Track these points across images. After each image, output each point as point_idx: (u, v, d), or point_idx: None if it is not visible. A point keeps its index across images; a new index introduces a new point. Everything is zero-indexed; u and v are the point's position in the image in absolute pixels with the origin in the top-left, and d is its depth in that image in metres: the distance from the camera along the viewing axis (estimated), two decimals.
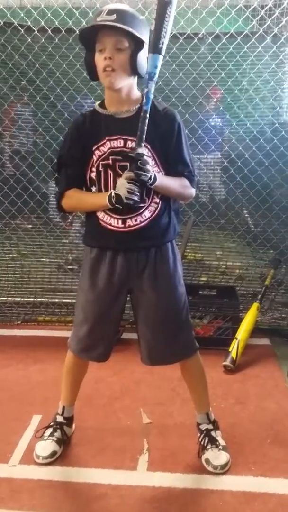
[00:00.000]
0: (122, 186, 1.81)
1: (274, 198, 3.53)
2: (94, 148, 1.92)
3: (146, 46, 1.83)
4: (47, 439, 2.28)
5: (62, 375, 2.30)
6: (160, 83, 3.38)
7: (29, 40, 3.31)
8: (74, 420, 2.39)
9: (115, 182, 1.88)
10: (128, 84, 1.89)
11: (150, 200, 1.94)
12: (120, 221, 1.94)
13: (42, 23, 3.22)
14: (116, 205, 1.84)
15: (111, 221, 1.95)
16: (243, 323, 3.22)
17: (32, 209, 3.62)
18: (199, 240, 3.73)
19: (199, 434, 2.28)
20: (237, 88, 3.43)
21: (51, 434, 2.29)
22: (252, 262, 3.75)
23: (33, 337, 3.41)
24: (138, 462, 2.23)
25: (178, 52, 3.31)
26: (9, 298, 3.72)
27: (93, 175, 1.95)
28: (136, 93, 1.94)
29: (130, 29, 1.77)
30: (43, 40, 3.28)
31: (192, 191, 2.02)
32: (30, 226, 3.74)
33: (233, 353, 3.05)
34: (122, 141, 1.89)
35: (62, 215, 3.65)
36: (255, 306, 3.33)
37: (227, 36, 3.27)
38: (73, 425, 2.40)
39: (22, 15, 3.27)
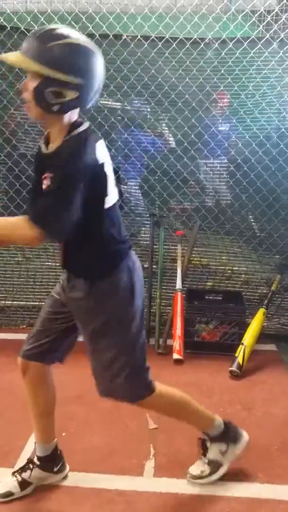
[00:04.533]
0: None
1: (281, 203, 3.53)
2: None
3: (59, 79, 1.60)
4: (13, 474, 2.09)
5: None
6: (166, 87, 3.39)
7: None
8: (60, 464, 2.14)
9: None
10: (47, 118, 1.73)
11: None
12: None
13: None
14: None
15: None
16: (249, 329, 3.21)
17: None
18: (205, 245, 3.72)
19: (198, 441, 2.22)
20: (243, 93, 3.43)
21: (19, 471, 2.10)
22: (258, 267, 3.74)
23: None
24: (144, 467, 2.22)
25: (185, 57, 3.31)
26: (14, 302, 3.73)
27: None
28: (60, 128, 1.72)
29: (23, 65, 1.62)
30: None
31: (27, 233, 1.63)
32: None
33: (239, 359, 3.04)
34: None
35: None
36: (261, 311, 3.31)
37: (233, 41, 3.28)
38: (59, 473, 2.13)
39: (29, 19, 3.27)
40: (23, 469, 2.09)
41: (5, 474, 2.13)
